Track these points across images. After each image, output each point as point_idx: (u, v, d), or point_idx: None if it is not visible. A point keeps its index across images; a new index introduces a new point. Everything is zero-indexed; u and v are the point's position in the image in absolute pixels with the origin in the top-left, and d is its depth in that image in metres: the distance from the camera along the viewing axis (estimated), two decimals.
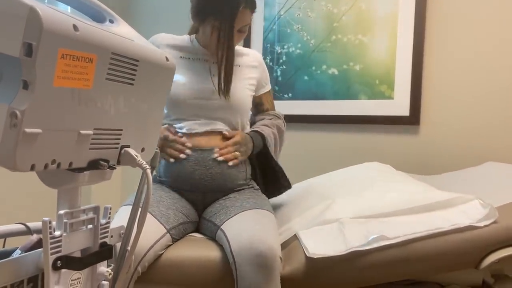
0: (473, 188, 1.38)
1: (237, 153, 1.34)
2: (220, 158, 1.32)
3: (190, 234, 1.31)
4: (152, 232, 1.14)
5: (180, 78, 1.37)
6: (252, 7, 1.32)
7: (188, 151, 1.32)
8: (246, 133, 1.42)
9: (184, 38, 1.46)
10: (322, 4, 2.11)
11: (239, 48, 1.49)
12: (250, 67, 1.47)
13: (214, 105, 1.37)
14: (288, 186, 1.50)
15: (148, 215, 1.07)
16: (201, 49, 1.44)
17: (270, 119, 1.51)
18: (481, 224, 1.10)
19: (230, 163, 1.33)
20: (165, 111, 1.40)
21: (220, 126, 1.38)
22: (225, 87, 1.34)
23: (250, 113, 1.50)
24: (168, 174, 1.36)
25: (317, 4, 2.12)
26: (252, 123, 1.53)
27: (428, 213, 1.18)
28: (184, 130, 1.36)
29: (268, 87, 1.55)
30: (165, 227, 1.19)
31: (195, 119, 1.37)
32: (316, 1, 2.13)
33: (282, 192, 1.50)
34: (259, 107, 1.54)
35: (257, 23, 2.26)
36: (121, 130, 0.69)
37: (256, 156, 1.45)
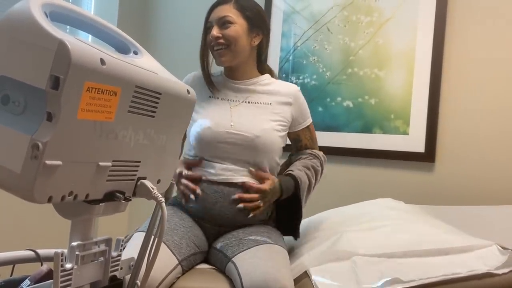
0: (491, 229, 1.35)
1: (258, 202, 1.29)
2: (241, 205, 1.28)
3: (199, 266, 1.28)
4: (164, 264, 1.11)
5: (207, 120, 1.34)
6: (216, 5, 1.39)
7: (199, 191, 1.29)
8: (278, 178, 1.37)
9: (218, 74, 1.47)
10: (339, 37, 2.13)
11: (272, 83, 1.45)
12: (283, 104, 1.41)
13: (240, 149, 1.32)
14: (296, 235, 1.43)
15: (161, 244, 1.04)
16: (228, 83, 1.43)
17: (306, 159, 1.44)
18: (500, 271, 1.06)
19: (250, 215, 1.29)
20: (192, 151, 1.38)
21: (245, 174, 1.32)
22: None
23: (281, 152, 1.42)
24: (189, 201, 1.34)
25: (334, 38, 2.14)
26: (289, 163, 1.47)
27: (444, 256, 1.15)
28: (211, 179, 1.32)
29: (307, 123, 1.47)
30: (177, 258, 1.16)
31: (220, 162, 1.32)
32: (333, 34, 2.14)
33: (285, 235, 1.42)
34: (297, 143, 1.49)
35: (274, 53, 2.28)
36: (139, 162, 0.69)
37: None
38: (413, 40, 1.97)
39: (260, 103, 1.40)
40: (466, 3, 1.89)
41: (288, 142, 1.48)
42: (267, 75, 1.48)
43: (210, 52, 1.42)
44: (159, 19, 2.66)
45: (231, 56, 1.37)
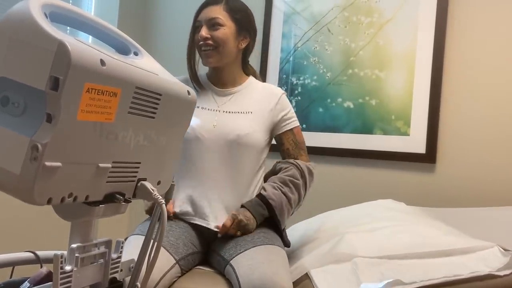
0: (493, 231, 1.35)
1: (238, 233, 1.27)
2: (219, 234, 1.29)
3: (199, 267, 1.28)
4: (161, 263, 1.12)
5: (192, 124, 1.36)
6: (206, 5, 1.40)
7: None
8: (247, 205, 1.32)
9: (202, 78, 1.48)
10: (340, 38, 2.13)
11: (256, 88, 1.46)
12: (266, 109, 1.42)
13: (222, 149, 1.34)
14: (286, 245, 1.40)
15: None
16: (213, 90, 1.45)
17: (285, 170, 1.39)
18: (501, 273, 1.06)
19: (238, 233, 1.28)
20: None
21: (228, 192, 1.34)
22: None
23: (263, 156, 1.43)
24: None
25: (335, 38, 2.14)
26: (273, 171, 1.45)
27: (445, 258, 1.14)
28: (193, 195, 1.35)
29: (290, 126, 1.44)
30: (174, 257, 1.17)
31: (205, 167, 1.34)
32: (334, 35, 2.14)
33: None
34: (280, 146, 1.46)
35: (274, 53, 2.28)
36: (139, 163, 0.68)
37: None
38: (413, 41, 1.97)
39: (243, 112, 1.40)
40: (467, 3, 1.89)
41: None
42: (251, 78, 1.49)
43: (196, 51, 1.44)
44: (159, 20, 2.66)
45: (218, 58, 1.38)
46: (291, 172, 1.38)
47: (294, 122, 1.46)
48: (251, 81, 1.48)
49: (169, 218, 1.32)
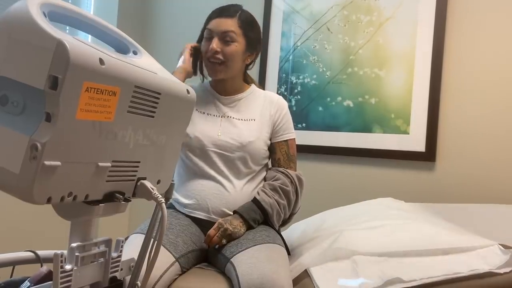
0: (493, 228, 1.35)
1: (223, 240, 1.26)
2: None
3: (199, 266, 1.28)
4: (160, 262, 1.12)
5: (195, 130, 1.37)
6: (219, 15, 1.38)
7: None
8: (238, 210, 1.32)
9: (201, 85, 1.50)
10: (339, 37, 2.13)
11: (258, 97, 1.47)
12: (267, 116, 1.44)
13: (226, 156, 1.36)
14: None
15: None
16: (216, 98, 1.45)
17: (274, 178, 1.40)
18: (501, 270, 1.06)
19: (224, 241, 1.27)
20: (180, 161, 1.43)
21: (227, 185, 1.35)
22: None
23: (264, 162, 1.45)
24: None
25: (334, 37, 2.14)
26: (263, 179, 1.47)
27: (445, 256, 1.14)
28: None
29: (286, 137, 1.45)
30: (173, 255, 1.17)
31: (209, 172, 1.36)
32: (333, 34, 2.14)
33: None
34: (272, 155, 1.47)
35: (274, 52, 2.27)
36: (139, 162, 0.68)
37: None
38: (413, 39, 1.96)
39: (247, 119, 1.42)
40: (466, 1, 1.89)
41: None
42: (253, 86, 1.51)
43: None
44: (159, 19, 2.66)
45: (225, 72, 1.39)
46: (281, 180, 1.39)
47: (290, 134, 1.47)
48: (253, 89, 1.50)
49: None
